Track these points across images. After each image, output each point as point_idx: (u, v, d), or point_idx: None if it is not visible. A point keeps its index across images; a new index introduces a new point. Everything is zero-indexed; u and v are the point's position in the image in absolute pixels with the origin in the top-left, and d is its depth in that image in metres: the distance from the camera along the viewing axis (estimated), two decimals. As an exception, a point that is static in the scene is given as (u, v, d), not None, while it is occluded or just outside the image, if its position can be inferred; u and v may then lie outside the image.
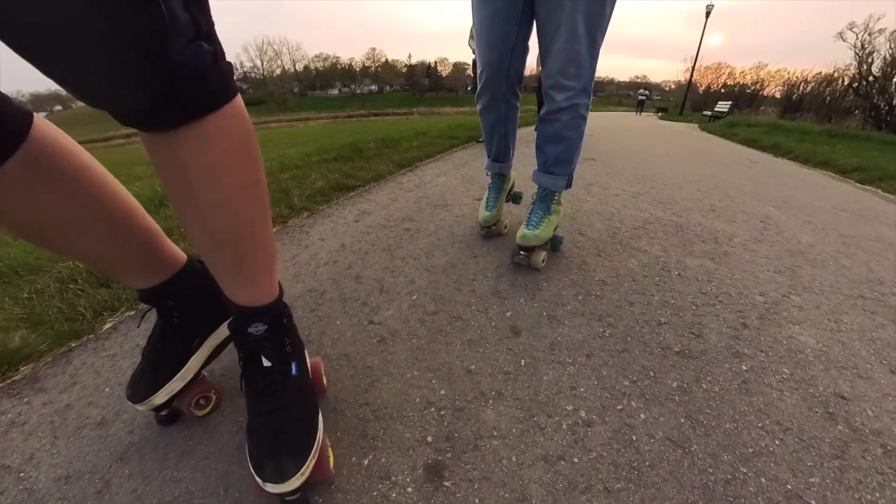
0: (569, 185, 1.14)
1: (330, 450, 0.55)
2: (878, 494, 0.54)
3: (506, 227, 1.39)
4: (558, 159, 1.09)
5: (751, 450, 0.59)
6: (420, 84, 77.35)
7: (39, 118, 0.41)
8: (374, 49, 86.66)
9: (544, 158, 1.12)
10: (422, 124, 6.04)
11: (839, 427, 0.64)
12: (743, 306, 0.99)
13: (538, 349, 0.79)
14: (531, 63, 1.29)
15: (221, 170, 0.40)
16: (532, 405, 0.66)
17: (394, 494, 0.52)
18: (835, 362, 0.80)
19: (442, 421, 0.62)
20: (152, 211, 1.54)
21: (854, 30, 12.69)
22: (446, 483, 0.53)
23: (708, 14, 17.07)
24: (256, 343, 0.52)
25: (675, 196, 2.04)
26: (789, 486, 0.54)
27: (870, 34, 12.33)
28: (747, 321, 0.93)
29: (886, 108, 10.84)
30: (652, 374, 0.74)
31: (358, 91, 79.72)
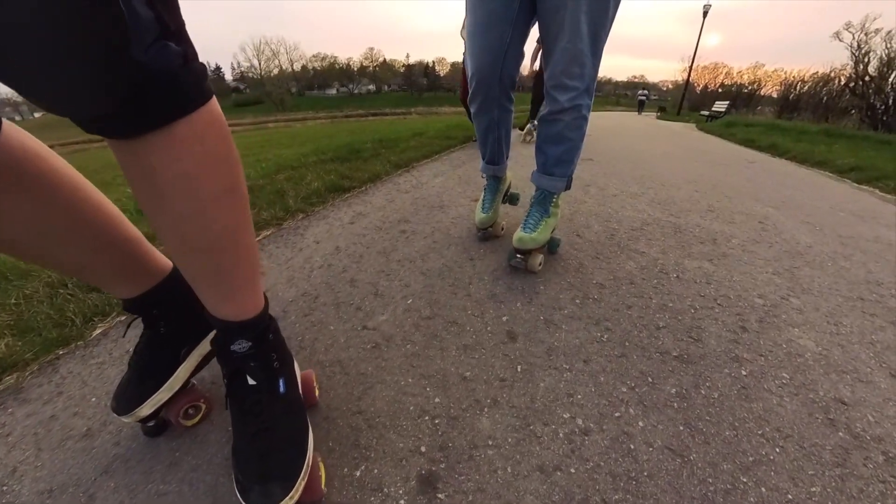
0: (568, 187, 1.13)
1: (322, 466, 0.54)
2: (880, 503, 0.53)
3: (503, 229, 1.38)
4: (559, 160, 1.08)
5: (751, 458, 0.58)
6: (418, 84, 77.26)
7: (9, 123, 0.39)
8: (372, 49, 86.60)
9: (544, 159, 1.10)
10: (419, 124, 6.03)
11: (840, 433, 0.63)
12: (742, 309, 0.98)
13: (535, 355, 0.78)
14: (524, 62, 1.27)
15: (195, 177, 0.38)
16: (528, 413, 0.64)
17: (386, 507, 0.50)
18: (835, 366, 0.79)
19: (436, 430, 0.61)
20: (139, 217, 1.52)
21: (850, 30, 12.73)
22: (440, 495, 0.52)
23: (705, 14, 17.10)
24: (240, 361, 0.49)
25: (673, 197, 2.03)
26: (790, 496, 0.53)
27: (866, 34, 12.37)
28: (746, 324, 0.92)
29: (882, 107, 10.89)
30: (650, 379, 0.72)
31: (356, 91, 79.57)
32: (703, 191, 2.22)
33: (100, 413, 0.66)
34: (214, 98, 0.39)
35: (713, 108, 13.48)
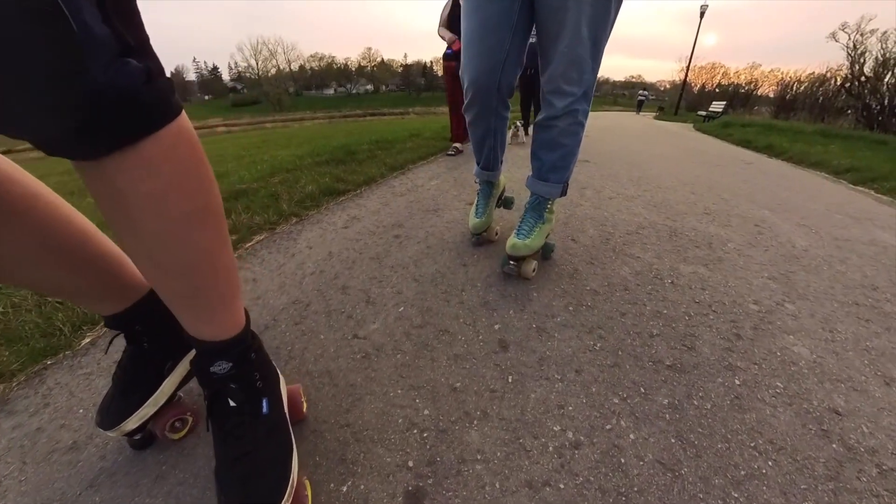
0: (564, 193, 1.11)
1: (308, 486, 0.53)
2: (872, 518, 0.52)
3: (496, 234, 1.37)
4: (554, 166, 1.06)
5: (743, 472, 0.57)
6: (416, 84, 77.18)
7: None
8: (369, 49, 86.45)
9: (539, 165, 1.09)
10: (416, 124, 6.02)
11: (833, 445, 0.63)
12: (736, 315, 0.98)
13: (526, 364, 0.77)
14: None
15: (165, 197, 0.37)
16: (518, 426, 0.64)
17: (372, 525, 0.50)
18: (829, 375, 0.79)
19: (424, 444, 0.60)
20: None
21: (846, 30, 12.78)
22: (427, 512, 0.51)
23: (702, 14, 17.13)
24: (221, 382, 0.48)
25: (669, 199, 2.02)
26: (782, 511, 0.53)
27: (861, 35, 12.42)
28: (741, 331, 0.91)
29: (878, 108, 10.92)
30: (643, 390, 0.72)
31: (354, 91, 79.47)
32: (700, 193, 2.21)
33: (86, 425, 0.66)
34: (184, 114, 0.37)
35: (710, 109, 13.51)
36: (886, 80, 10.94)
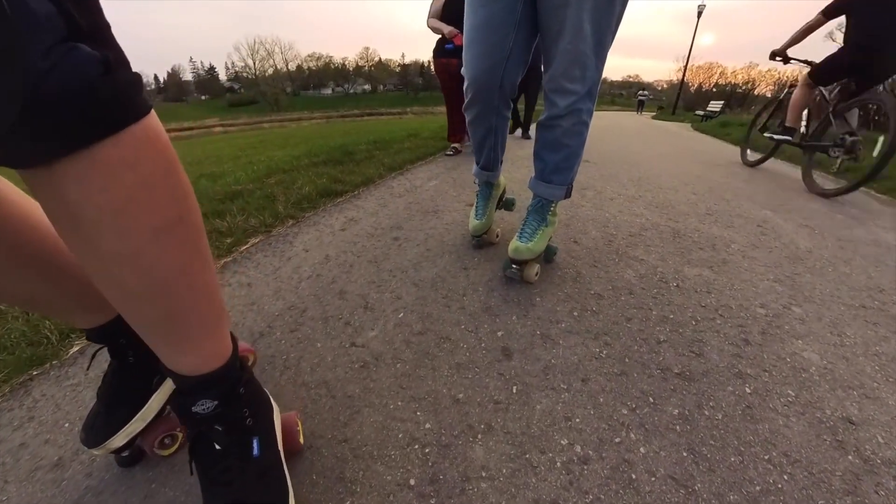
0: (568, 196, 1.08)
1: None
2: (894, 535, 0.50)
3: (497, 236, 1.34)
4: (557, 168, 1.03)
5: (758, 487, 0.55)
6: (414, 84, 77.06)
7: None
8: (367, 48, 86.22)
9: (542, 166, 1.06)
10: (414, 124, 5.99)
11: (849, 457, 0.61)
12: (744, 320, 0.95)
13: (531, 374, 0.75)
14: None
15: (128, 210, 0.31)
16: (524, 440, 0.61)
17: (372, 549, 0.47)
18: (840, 381, 0.77)
19: (426, 460, 0.58)
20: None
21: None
22: (430, 535, 0.49)
23: (700, 14, 17.16)
24: (205, 423, 0.43)
25: (670, 200, 2.00)
26: (800, 529, 0.50)
27: (858, 33, 12.45)
28: (749, 336, 0.89)
29: (874, 107, 10.95)
30: (651, 399, 0.69)
31: (351, 91, 79.29)
32: (701, 193, 2.19)
33: (72, 440, 0.63)
34: (153, 113, 0.32)
35: (708, 108, 13.53)
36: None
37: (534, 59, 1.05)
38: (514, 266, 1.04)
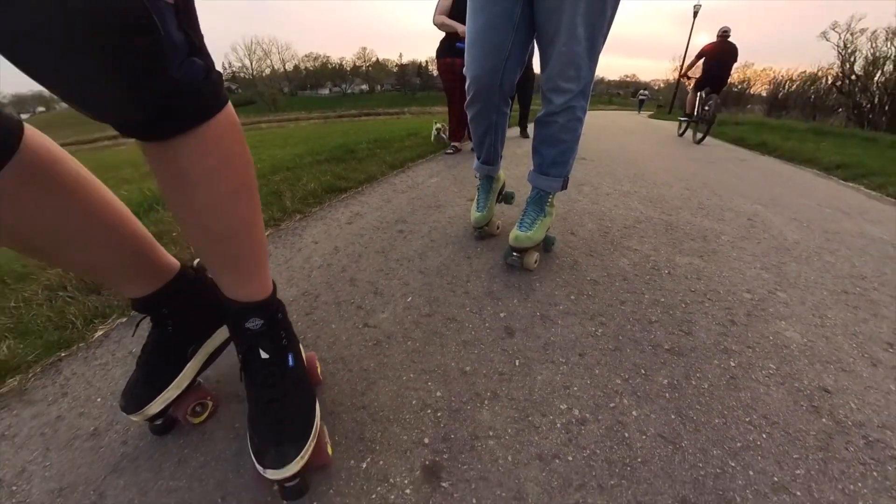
0: (564, 187, 1.14)
1: (328, 438, 0.57)
2: (860, 484, 0.56)
3: (498, 228, 1.40)
4: (554, 161, 1.09)
5: (739, 444, 0.61)
6: (411, 83, 77.10)
7: (31, 128, 0.41)
8: (364, 48, 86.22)
9: (540, 160, 1.12)
10: (413, 124, 6.04)
11: (823, 420, 0.66)
12: (731, 303, 1.01)
13: (532, 349, 0.80)
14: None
15: (216, 174, 0.43)
16: (527, 405, 0.67)
17: (392, 496, 0.52)
18: (819, 357, 0.83)
19: (438, 422, 0.63)
20: (141, 215, 1.52)
21: (837, 30, 12.98)
22: (444, 484, 0.54)
23: (696, 13, 17.27)
24: (254, 337, 0.54)
25: (664, 195, 2.07)
26: (776, 479, 0.56)
27: (852, 34, 12.62)
28: (735, 318, 0.95)
29: (868, 105, 11.10)
30: (643, 371, 0.75)
31: (349, 91, 79.22)
32: (694, 189, 2.26)
33: (106, 413, 0.67)
34: (230, 103, 0.43)
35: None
36: (876, 78, 11.13)
37: (528, 60, 1.11)
38: (514, 254, 1.10)
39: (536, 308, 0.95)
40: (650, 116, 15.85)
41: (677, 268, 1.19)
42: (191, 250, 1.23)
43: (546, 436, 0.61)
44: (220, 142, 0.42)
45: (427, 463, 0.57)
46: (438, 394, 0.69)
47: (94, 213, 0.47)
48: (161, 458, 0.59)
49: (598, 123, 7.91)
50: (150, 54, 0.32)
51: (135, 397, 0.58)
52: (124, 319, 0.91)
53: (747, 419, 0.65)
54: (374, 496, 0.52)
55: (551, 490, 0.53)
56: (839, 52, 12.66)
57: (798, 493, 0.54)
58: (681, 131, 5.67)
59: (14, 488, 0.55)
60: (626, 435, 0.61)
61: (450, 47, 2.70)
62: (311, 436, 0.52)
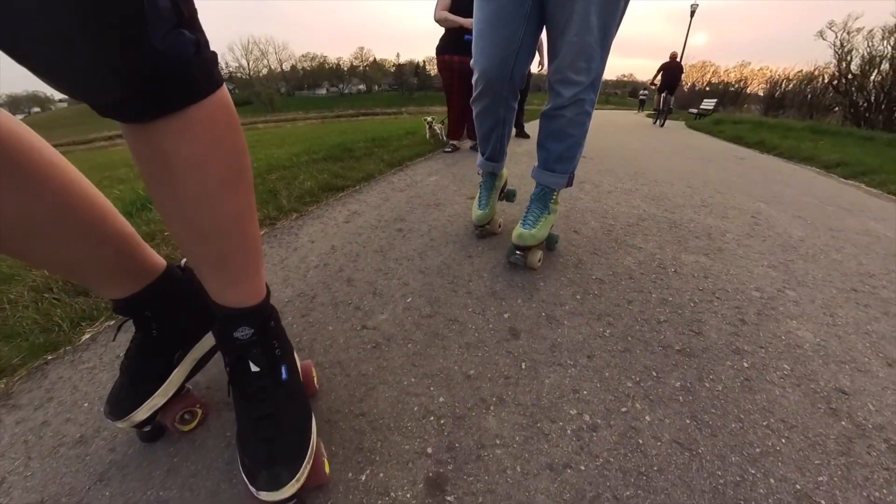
0: (570, 184, 1.11)
1: (325, 455, 0.53)
2: (885, 491, 0.53)
3: (500, 226, 1.37)
4: (560, 157, 1.06)
5: (758, 450, 0.58)
6: (409, 83, 76.93)
7: (3, 113, 0.37)
8: (361, 48, 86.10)
9: (546, 155, 1.08)
10: (411, 123, 6.00)
11: (843, 423, 0.64)
12: (740, 302, 0.99)
13: (538, 351, 0.77)
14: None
15: (204, 162, 0.39)
16: (535, 410, 0.63)
17: (394, 510, 0.49)
18: (833, 357, 0.80)
19: (442, 430, 0.60)
20: (133, 215, 1.48)
21: (833, 29, 13.02)
22: (448, 497, 0.51)
23: (692, 13, 17.30)
24: (243, 348, 0.50)
25: (666, 192, 2.04)
26: (798, 486, 0.53)
27: (848, 33, 12.66)
28: (745, 317, 0.92)
29: (865, 104, 11.15)
30: (655, 374, 0.72)
31: (346, 91, 79.01)
32: (696, 186, 2.24)
33: (93, 419, 0.64)
34: (224, 86, 0.39)
35: (701, 107, 13.63)
36: (873, 77, 11.18)
37: None
38: (517, 252, 1.07)
39: (542, 308, 0.91)
40: (648, 115, 15.88)
41: (684, 266, 1.17)
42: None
43: (556, 444, 0.58)
44: (210, 127, 0.38)
45: (430, 474, 0.54)
46: (441, 399, 0.65)
47: (70, 206, 0.43)
48: (150, 467, 0.56)
49: (598, 122, 7.91)
50: (126, 18, 0.28)
51: (120, 404, 0.54)
52: (112, 322, 0.88)
53: (765, 423, 0.63)
54: (374, 510, 0.49)
55: (563, 503, 0.50)
56: (836, 52, 12.70)
57: (822, 502, 0.51)
58: (655, 122, 8.38)
59: (-10, 502, 0.52)
60: (641, 441, 0.58)
61: (451, 43, 2.66)
62: (308, 456, 0.48)
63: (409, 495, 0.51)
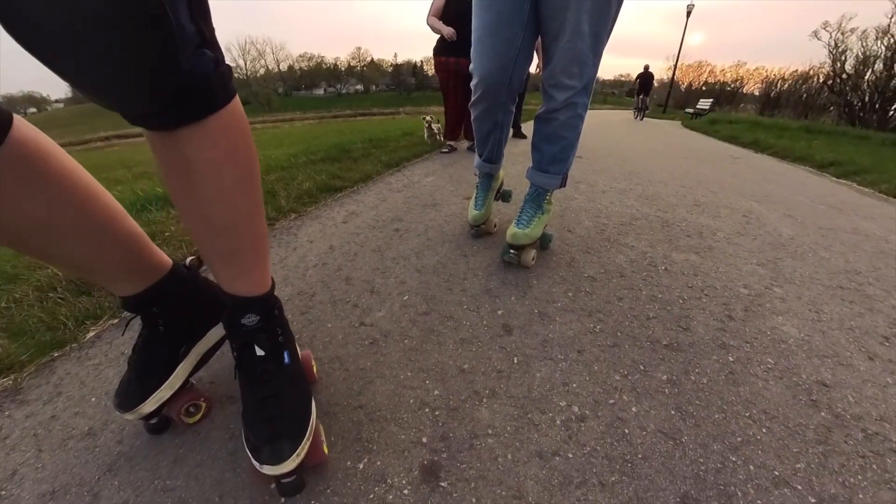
0: (563, 185, 1.14)
1: (324, 436, 0.56)
2: (860, 477, 0.56)
3: (495, 226, 1.39)
4: (554, 158, 1.09)
5: (739, 438, 0.61)
6: (406, 83, 76.91)
7: (20, 119, 0.40)
8: (359, 48, 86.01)
9: (540, 157, 1.11)
10: (408, 124, 6.02)
11: (822, 413, 0.67)
12: (728, 299, 1.01)
13: (530, 346, 0.80)
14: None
15: (221, 165, 0.43)
16: (525, 402, 0.66)
17: (390, 497, 0.52)
18: (816, 351, 0.83)
19: (437, 421, 0.62)
20: (134, 216, 1.50)
21: (828, 29, 13.11)
22: (443, 483, 0.53)
23: (689, 13, 17.37)
24: (250, 333, 0.53)
25: (660, 192, 2.07)
26: (777, 473, 0.56)
27: (842, 33, 12.75)
28: (732, 313, 0.95)
29: (859, 104, 11.23)
30: (642, 367, 0.75)
31: (344, 91, 78.96)
32: (689, 186, 2.27)
33: (101, 412, 0.66)
34: (237, 96, 0.44)
35: (697, 106, 13.70)
36: (867, 77, 11.25)
37: None
38: (511, 251, 1.09)
39: (534, 305, 0.94)
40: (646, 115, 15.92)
41: (674, 264, 1.20)
42: (184, 250, 1.21)
43: (546, 433, 0.60)
44: (226, 133, 0.43)
45: (425, 462, 0.56)
46: (436, 392, 0.68)
47: (85, 208, 0.46)
48: (157, 458, 0.59)
49: (593, 122, 7.95)
50: (162, 46, 0.33)
51: (128, 396, 0.57)
52: (115, 321, 0.90)
53: (747, 414, 0.65)
54: (371, 496, 0.52)
55: (552, 488, 0.53)
56: (830, 52, 12.79)
57: (799, 487, 0.54)
58: (636, 117, 10.68)
59: (3, 492, 0.54)
60: (626, 431, 0.61)
61: (448, 45, 2.68)
62: (308, 432, 0.51)
63: (404, 481, 0.53)
